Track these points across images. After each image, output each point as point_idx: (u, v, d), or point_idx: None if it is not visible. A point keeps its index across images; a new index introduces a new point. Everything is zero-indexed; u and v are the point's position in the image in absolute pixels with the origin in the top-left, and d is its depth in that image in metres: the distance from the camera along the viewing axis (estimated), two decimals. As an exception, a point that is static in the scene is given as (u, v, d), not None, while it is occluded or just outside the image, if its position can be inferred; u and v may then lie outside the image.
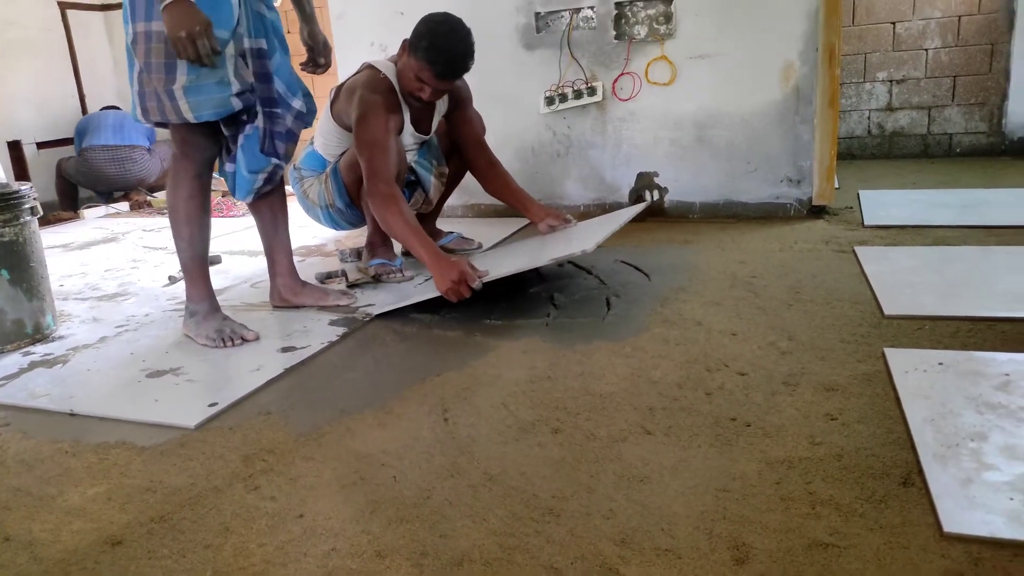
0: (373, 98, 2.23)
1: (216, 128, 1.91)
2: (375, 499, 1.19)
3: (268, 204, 2.12)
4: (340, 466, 1.30)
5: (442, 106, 2.49)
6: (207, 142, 1.90)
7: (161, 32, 1.70)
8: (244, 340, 1.93)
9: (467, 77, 2.39)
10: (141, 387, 1.70)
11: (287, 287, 2.20)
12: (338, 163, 2.45)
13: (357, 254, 2.75)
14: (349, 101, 2.30)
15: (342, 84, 2.42)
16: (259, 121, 1.90)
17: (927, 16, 4.08)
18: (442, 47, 2.15)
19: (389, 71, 2.31)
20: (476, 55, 2.24)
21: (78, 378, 1.78)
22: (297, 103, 1.97)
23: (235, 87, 1.80)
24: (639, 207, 2.46)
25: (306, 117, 2.03)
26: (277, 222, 2.15)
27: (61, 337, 2.11)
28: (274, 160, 1.95)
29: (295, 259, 2.88)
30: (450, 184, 2.72)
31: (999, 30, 3.97)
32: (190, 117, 1.78)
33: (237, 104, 1.81)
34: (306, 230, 3.48)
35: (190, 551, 1.09)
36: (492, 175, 2.54)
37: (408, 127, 2.39)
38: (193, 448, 1.40)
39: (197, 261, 1.96)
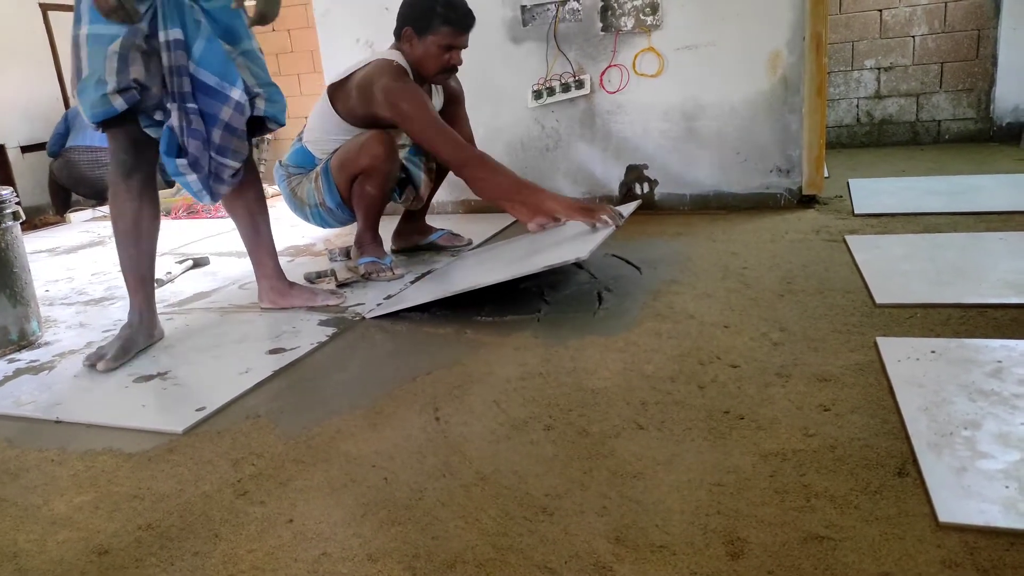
0: (396, 77, 2.24)
1: (138, 134, 1.83)
2: (366, 501, 1.17)
3: (244, 204, 2.05)
4: (330, 468, 1.28)
5: (437, 101, 2.47)
6: (127, 147, 1.83)
7: (77, 36, 1.72)
8: (93, 365, 1.82)
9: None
10: (128, 392, 1.68)
11: (274, 289, 2.16)
12: (329, 161, 2.41)
13: (346, 253, 2.73)
14: (366, 94, 2.27)
15: (345, 79, 2.36)
16: (172, 119, 1.80)
17: (914, 3, 4.07)
18: (450, 4, 2.25)
19: (399, 59, 2.30)
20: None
21: (64, 385, 1.76)
22: (236, 93, 1.84)
23: (110, 85, 1.70)
24: (632, 206, 2.43)
25: (252, 108, 1.89)
26: (256, 223, 2.09)
27: (47, 343, 2.09)
28: (180, 162, 1.83)
29: (284, 259, 2.87)
30: (436, 180, 2.70)
31: (985, 15, 3.97)
32: (87, 119, 1.75)
33: (119, 103, 1.72)
34: (296, 230, 3.46)
35: (178, 559, 1.07)
36: None
37: None
38: (181, 454, 1.39)
39: (124, 272, 1.91)
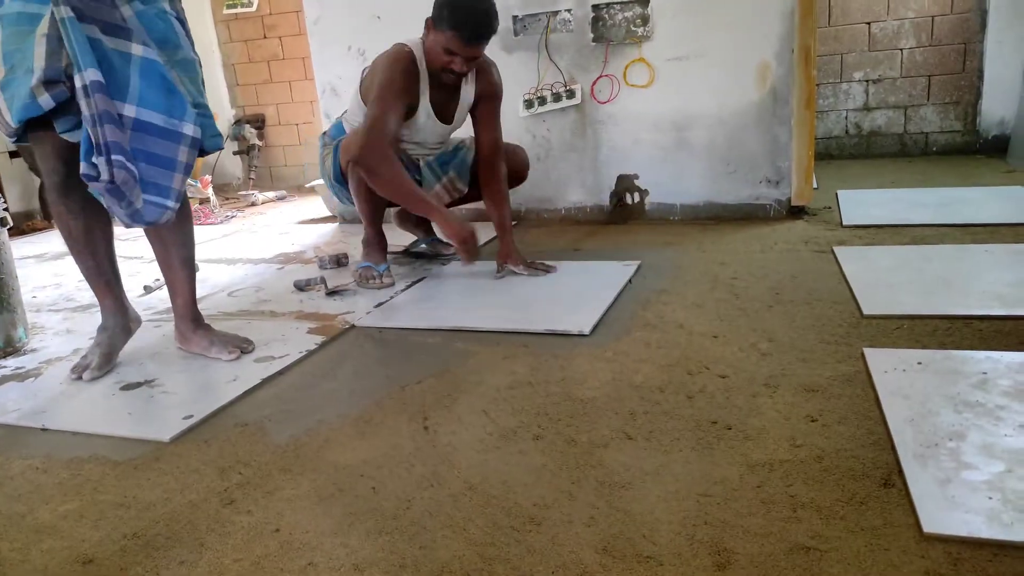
0: (387, 61, 2.27)
1: (64, 142, 1.62)
2: (354, 511, 1.17)
3: (157, 232, 1.82)
4: (318, 478, 1.28)
5: (468, 95, 2.41)
6: (53, 162, 1.64)
7: None
8: (80, 377, 1.78)
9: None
10: (115, 400, 1.67)
11: (178, 329, 1.94)
12: (340, 142, 2.47)
13: (336, 261, 2.73)
14: (372, 75, 2.32)
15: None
16: (102, 173, 1.55)
17: (901, 16, 4.12)
18: (464, 9, 2.16)
19: (414, 45, 2.31)
20: None
21: (50, 392, 1.75)
22: (189, 129, 1.65)
23: (37, 75, 1.48)
24: (630, 271, 2.33)
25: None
26: (169, 256, 1.86)
27: (33, 350, 2.07)
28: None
29: (273, 266, 2.86)
30: (456, 196, 2.65)
31: (972, 29, 4.02)
32: (10, 119, 1.55)
33: (45, 100, 1.50)
34: (285, 237, 3.46)
35: (164, 568, 1.07)
36: (487, 182, 2.46)
37: (426, 105, 2.34)
38: (168, 462, 1.38)
39: (88, 280, 1.83)
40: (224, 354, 1.86)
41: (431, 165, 2.52)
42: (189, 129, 1.64)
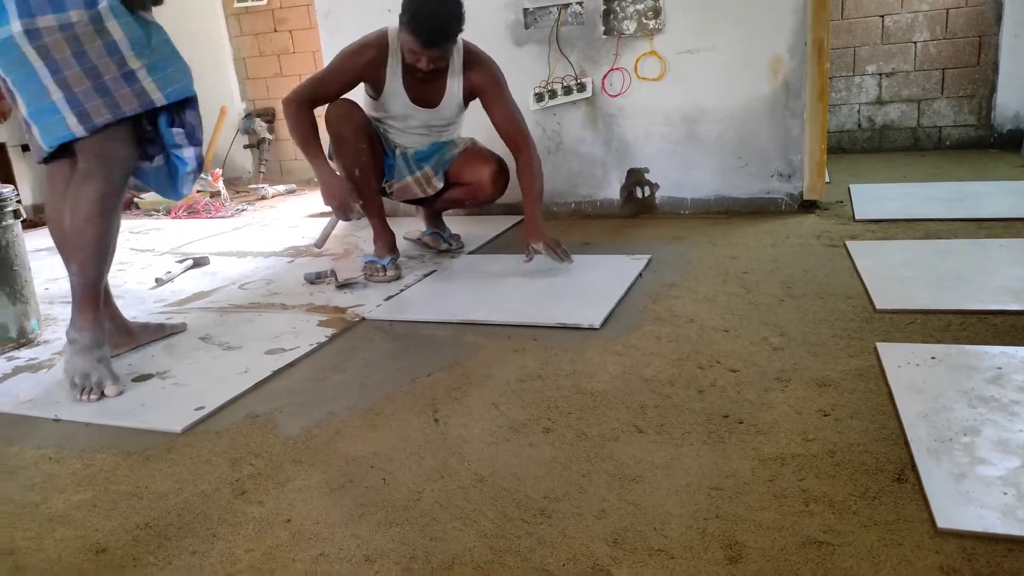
0: (354, 44, 2.38)
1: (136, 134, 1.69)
2: (364, 502, 1.17)
3: (101, 226, 1.67)
4: (329, 469, 1.28)
5: (455, 87, 2.44)
6: (130, 149, 1.67)
7: (80, 19, 1.53)
8: (103, 394, 1.63)
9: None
10: (127, 391, 1.67)
11: (122, 328, 1.91)
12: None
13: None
14: None
15: None
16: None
17: (915, 9, 4.08)
18: (423, 14, 2.17)
19: (391, 32, 2.36)
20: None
21: (63, 383, 1.75)
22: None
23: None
24: (640, 265, 2.30)
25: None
26: (111, 247, 1.74)
27: (46, 341, 2.08)
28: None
29: (283, 260, 2.87)
30: (455, 203, 2.69)
31: (987, 22, 3.98)
32: (159, 98, 1.65)
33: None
34: (295, 230, 3.46)
35: (176, 557, 1.07)
36: (515, 159, 2.44)
37: (395, 86, 2.40)
38: (179, 453, 1.38)
39: (88, 288, 1.66)
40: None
41: (407, 156, 2.53)
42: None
